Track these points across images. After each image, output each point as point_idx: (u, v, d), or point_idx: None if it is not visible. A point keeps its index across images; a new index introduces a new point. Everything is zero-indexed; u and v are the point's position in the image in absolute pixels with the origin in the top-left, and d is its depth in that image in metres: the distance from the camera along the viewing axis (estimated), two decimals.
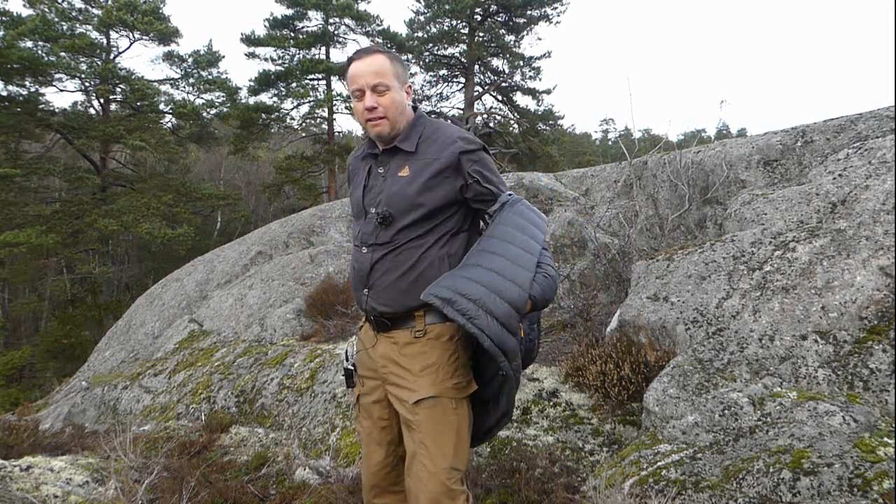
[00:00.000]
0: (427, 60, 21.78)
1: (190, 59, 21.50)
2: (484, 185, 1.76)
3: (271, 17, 21.24)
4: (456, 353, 1.79)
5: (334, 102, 21.54)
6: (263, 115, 21.48)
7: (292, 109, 22.13)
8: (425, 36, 21.26)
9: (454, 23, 21.26)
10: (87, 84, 20.13)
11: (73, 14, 19.55)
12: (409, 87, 1.86)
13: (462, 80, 22.24)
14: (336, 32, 21.93)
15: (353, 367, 1.94)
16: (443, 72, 22.24)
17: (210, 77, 21.69)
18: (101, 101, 21.36)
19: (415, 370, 1.75)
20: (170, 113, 21.54)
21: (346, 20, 21.66)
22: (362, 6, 21.55)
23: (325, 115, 22.44)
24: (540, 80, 21.99)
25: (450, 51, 21.99)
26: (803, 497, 2.16)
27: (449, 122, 2.02)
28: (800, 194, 3.76)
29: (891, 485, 2.03)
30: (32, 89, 18.93)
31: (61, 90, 19.95)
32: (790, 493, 2.18)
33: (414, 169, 1.78)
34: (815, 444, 2.33)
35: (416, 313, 1.77)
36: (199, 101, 21.66)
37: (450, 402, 1.75)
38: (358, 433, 1.95)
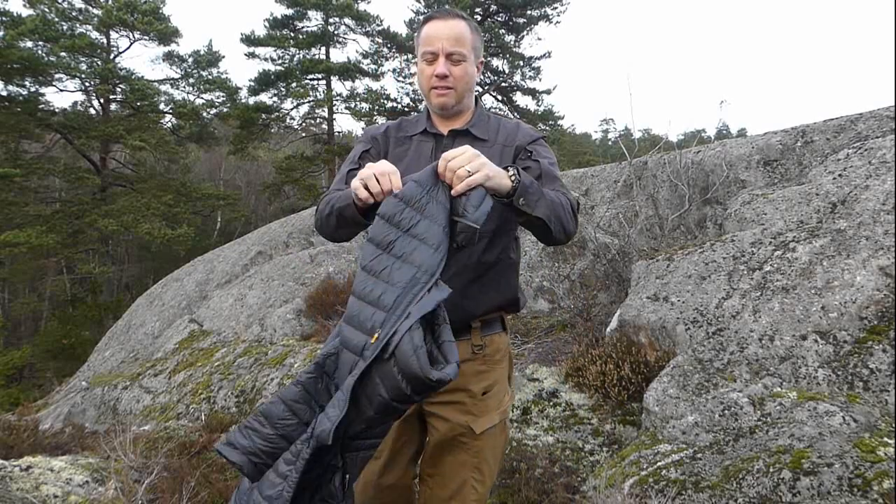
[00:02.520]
0: None
1: (190, 59, 21.52)
2: (532, 160, 1.57)
3: (271, 17, 21.24)
4: (510, 367, 1.69)
5: (334, 102, 21.55)
6: (263, 115, 21.48)
7: (292, 109, 22.15)
8: None
9: None
10: (87, 84, 20.13)
11: (73, 14, 19.55)
12: (482, 62, 1.70)
13: None
14: (336, 32, 21.92)
15: None
16: None
17: (210, 77, 21.70)
18: (101, 101, 21.36)
19: (476, 392, 1.57)
20: (170, 113, 21.55)
21: (346, 20, 21.65)
22: (362, 6, 21.54)
23: (325, 115, 22.45)
24: (540, 80, 21.97)
25: None
26: (803, 497, 2.15)
27: None
28: (800, 194, 3.76)
29: (891, 485, 2.03)
30: (32, 89, 18.94)
31: (61, 90, 19.97)
32: (790, 493, 2.18)
33: (483, 153, 1.53)
34: (815, 444, 2.33)
35: (472, 324, 1.59)
36: (199, 101, 21.67)
37: (505, 422, 1.65)
38: None
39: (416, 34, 1.66)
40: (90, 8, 19.93)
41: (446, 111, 1.63)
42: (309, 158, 22.10)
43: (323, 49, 21.92)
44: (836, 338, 2.77)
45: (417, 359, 1.13)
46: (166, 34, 20.42)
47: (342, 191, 1.50)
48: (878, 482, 2.06)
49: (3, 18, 17.66)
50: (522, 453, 3.13)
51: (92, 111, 22.49)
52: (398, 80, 22.11)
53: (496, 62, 22.22)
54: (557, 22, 21.20)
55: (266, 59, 21.41)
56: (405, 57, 21.43)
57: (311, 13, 21.48)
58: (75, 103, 24.91)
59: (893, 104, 4.36)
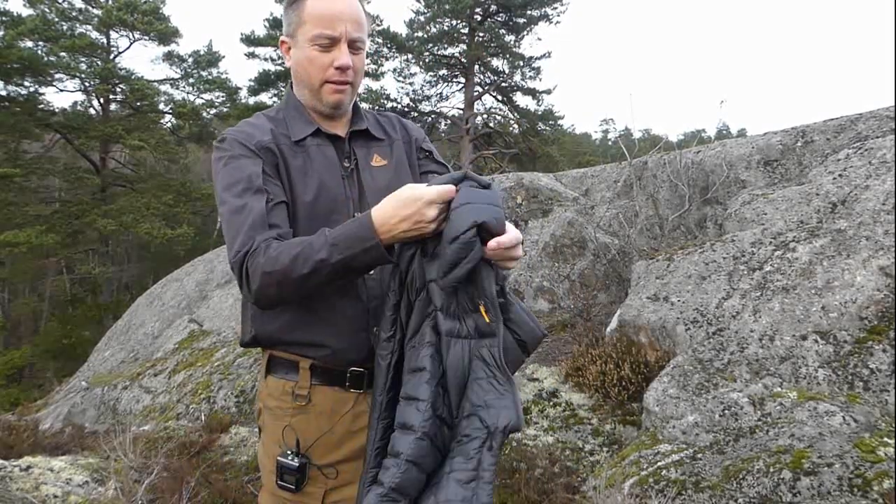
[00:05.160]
0: (427, 60, 21.77)
1: (190, 59, 21.51)
2: (435, 162, 1.46)
3: (271, 17, 21.20)
4: None
5: None
6: None
7: None
8: (425, 36, 21.25)
9: (454, 23, 21.25)
10: (87, 84, 20.12)
11: (73, 14, 19.54)
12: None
13: (462, 80, 22.22)
14: None
15: (305, 461, 1.25)
16: (443, 72, 22.22)
17: (210, 77, 21.69)
18: (101, 101, 21.34)
19: None
20: (170, 113, 21.54)
21: None
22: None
23: None
24: (540, 80, 21.97)
25: (450, 51, 21.97)
26: (803, 497, 2.16)
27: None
28: (800, 194, 3.76)
29: (891, 485, 2.03)
30: (32, 89, 18.92)
31: (61, 90, 19.94)
32: (790, 493, 2.18)
33: (387, 154, 1.40)
34: (815, 444, 2.33)
35: None
36: (199, 101, 21.66)
37: None
38: None
39: (291, 7, 1.30)
40: (90, 8, 19.92)
41: (339, 111, 1.35)
42: None
43: None
44: (836, 338, 2.77)
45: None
46: (166, 34, 20.41)
47: (305, 239, 1.13)
48: (878, 482, 2.06)
49: (3, 18, 17.66)
50: (522, 453, 3.13)
51: (92, 111, 22.45)
52: (398, 80, 22.14)
53: (496, 62, 22.24)
54: (557, 22, 21.22)
55: (266, 59, 21.41)
56: (405, 57, 21.43)
57: None
58: (75, 103, 24.89)
59: (893, 104, 4.36)
